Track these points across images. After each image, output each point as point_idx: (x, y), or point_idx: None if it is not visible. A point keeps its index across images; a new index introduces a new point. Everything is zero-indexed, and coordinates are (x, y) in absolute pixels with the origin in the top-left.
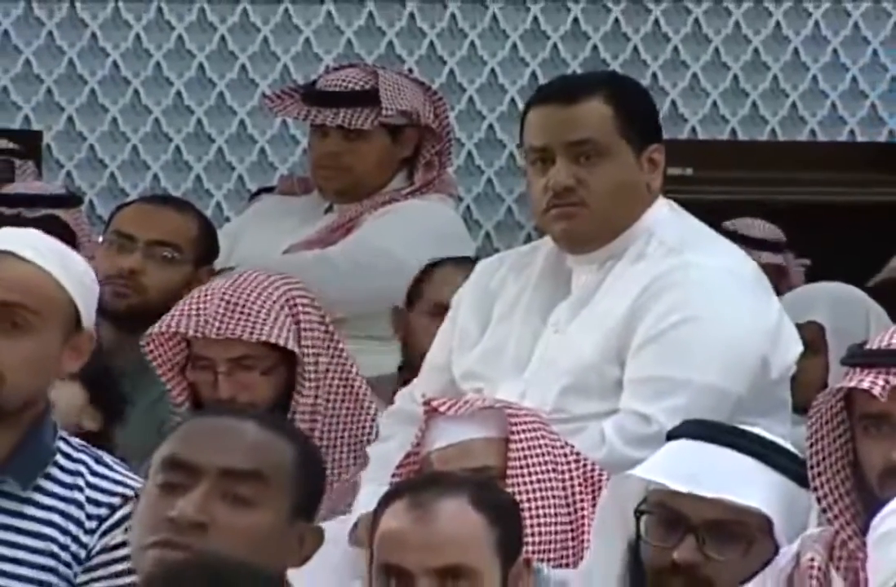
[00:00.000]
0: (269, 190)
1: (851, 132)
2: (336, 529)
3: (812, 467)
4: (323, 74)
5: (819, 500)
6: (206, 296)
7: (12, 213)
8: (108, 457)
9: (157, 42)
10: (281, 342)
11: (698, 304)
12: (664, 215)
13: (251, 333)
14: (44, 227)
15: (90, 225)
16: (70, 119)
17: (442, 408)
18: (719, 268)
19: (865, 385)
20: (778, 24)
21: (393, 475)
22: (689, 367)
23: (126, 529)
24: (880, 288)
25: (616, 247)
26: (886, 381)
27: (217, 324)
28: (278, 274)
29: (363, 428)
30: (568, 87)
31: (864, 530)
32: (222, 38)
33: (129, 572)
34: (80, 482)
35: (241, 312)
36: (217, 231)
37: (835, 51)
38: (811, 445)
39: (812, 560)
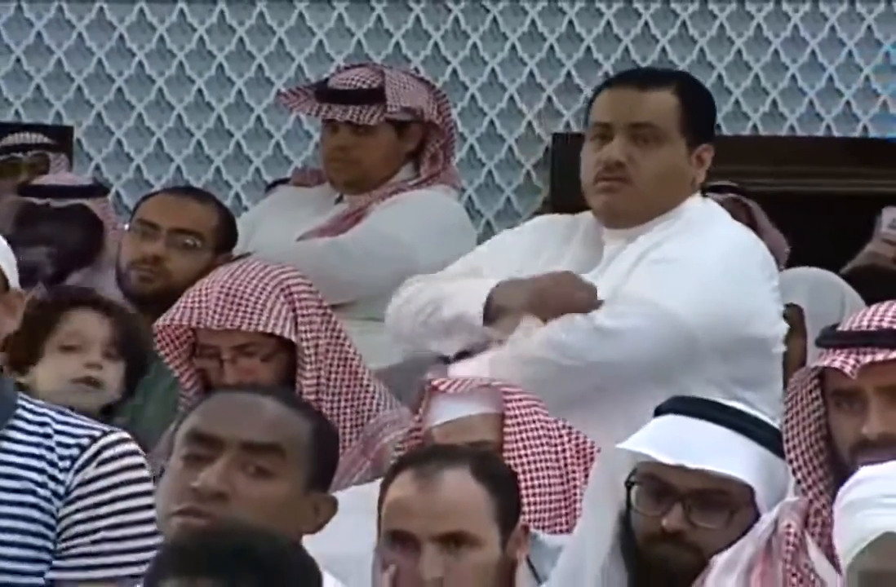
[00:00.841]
0: (283, 181)
1: (828, 128)
2: (349, 500)
3: (787, 441)
4: (334, 73)
5: (794, 472)
6: (206, 288)
7: (42, 203)
8: (67, 411)
9: (180, 43)
10: (277, 331)
11: (689, 248)
12: (698, 207)
13: (249, 324)
14: (71, 215)
15: (117, 214)
16: (99, 115)
17: (442, 387)
18: (726, 237)
19: (837, 364)
20: (759, 26)
21: (397, 449)
22: (661, 293)
23: (101, 463)
24: (854, 273)
25: (647, 227)
26: (857, 361)
27: (217, 316)
28: (275, 264)
29: (363, 403)
30: (644, 75)
31: (834, 500)
32: (240, 39)
33: (106, 503)
34: (48, 430)
35: (239, 304)
36: (236, 220)
37: (812, 52)
38: (787, 421)
39: (789, 527)
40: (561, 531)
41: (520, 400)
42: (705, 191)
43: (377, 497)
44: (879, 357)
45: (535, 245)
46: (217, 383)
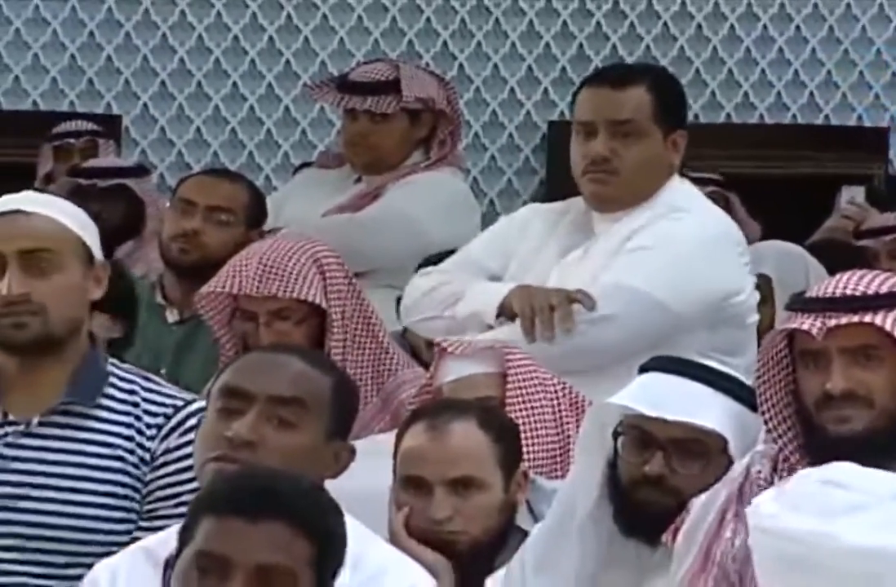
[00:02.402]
0: (308, 164)
1: (794, 116)
2: (366, 447)
3: (760, 395)
4: (354, 68)
5: (766, 423)
6: (246, 259)
7: (89, 183)
8: (152, 376)
9: (217, 41)
10: (310, 298)
11: (669, 235)
12: (676, 187)
13: (285, 292)
14: (115, 194)
15: (161, 193)
16: (144, 105)
17: (450, 348)
18: (699, 220)
19: (805, 327)
20: (732, 26)
21: (410, 403)
22: (642, 279)
23: (184, 432)
24: (816, 245)
25: (632, 209)
26: (823, 324)
27: (256, 284)
28: (307, 238)
29: (383, 363)
30: (618, 74)
31: (802, 447)
32: (270, 38)
33: (187, 469)
34: (137, 398)
35: (276, 273)
36: (265, 198)
37: (780, 49)
38: (759, 377)
39: (759, 472)
40: (556, 476)
41: (520, 360)
42: (686, 176)
43: (391, 444)
44: (843, 321)
45: (525, 232)
46: (253, 345)
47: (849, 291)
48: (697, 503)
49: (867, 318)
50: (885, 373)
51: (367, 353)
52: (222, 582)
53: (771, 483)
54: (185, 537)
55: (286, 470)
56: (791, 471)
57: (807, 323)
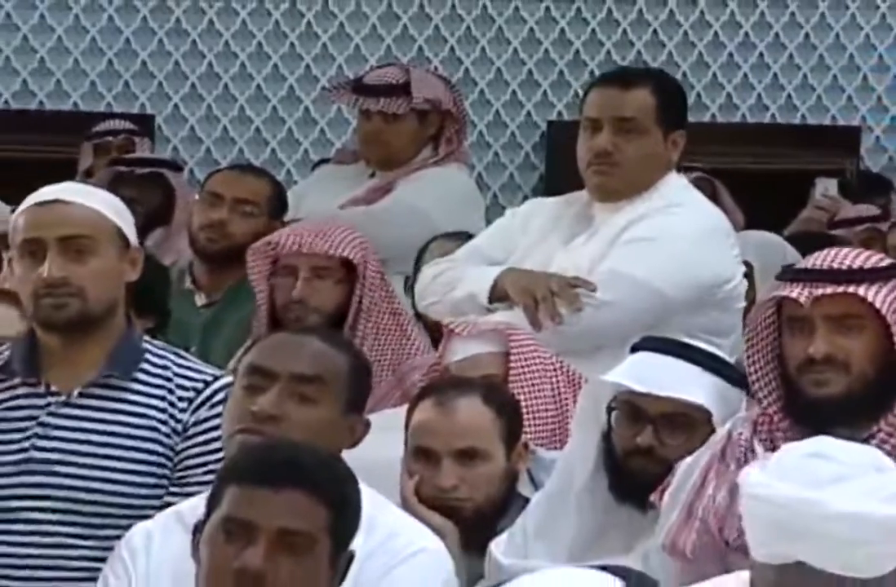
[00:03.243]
0: (326, 161)
1: (773, 116)
2: (380, 420)
3: (748, 358)
4: (368, 71)
5: (752, 383)
6: (302, 225)
7: (127, 170)
8: (184, 353)
9: (242, 46)
10: (352, 257)
11: (665, 228)
12: (673, 182)
13: (332, 250)
14: (151, 181)
15: (191, 187)
16: (176, 106)
17: (457, 330)
18: (693, 213)
19: (794, 295)
20: (716, 33)
21: (420, 381)
22: (640, 268)
23: (212, 405)
24: (793, 235)
25: (632, 201)
26: (810, 293)
27: (309, 240)
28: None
29: (404, 348)
30: (625, 76)
31: (783, 409)
32: (291, 44)
33: (217, 439)
34: (169, 373)
35: (327, 236)
36: (286, 191)
37: (760, 54)
38: (748, 340)
39: (741, 434)
40: (555, 447)
41: (521, 340)
42: (678, 169)
43: (403, 418)
44: (829, 290)
45: (527, 224)
46: (284, 300)
47: (835, 265)
48: (682, 465)
49: (851, 289)
50: (863, 341)
51: (391, 339)
52: (247, 545)
53: (751, 444)
54: (212, 504)
55: (306, 442)
56: (770, 433)
57: (795, 291)
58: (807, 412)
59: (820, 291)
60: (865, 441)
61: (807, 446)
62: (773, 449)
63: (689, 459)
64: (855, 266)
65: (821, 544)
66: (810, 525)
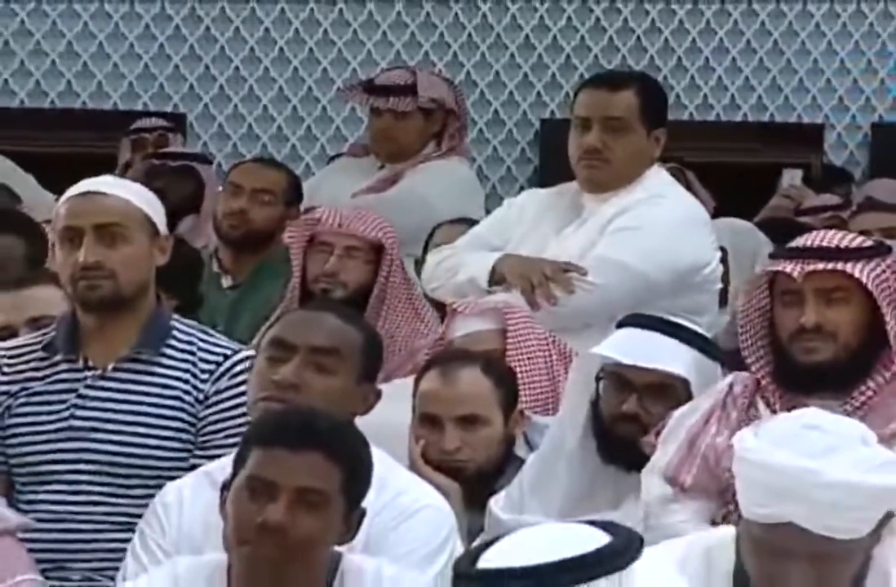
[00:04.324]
0: (341, 155)
1: (745, 115)
2: (390, 390)
3: (741, 327)
4: (379, 74)
5: (744, 350)
6: (345, 207)
7: (161, 163)
8: (208, 330)
9: (265, 52)
10: (383, 241)
11: (650, 217)
12: (655, 175)
13: (367, 232)
14: (183, 173)
15: (219, 179)
16: (206, 105)
17: (460, 308)
18: (675, 205)
19: (788, 270)
20: (693, 39)
21: (426, 354)
22: (627, 254)
23: (232, 376)
24: (763, 223)
25: (618, 192)
26: (802, 268)
27: (348, 222)
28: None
29: (416, 329)
30: (612, 78)
31: (771, 373)
32: (310, 49)
33: (235, 406)
34: (194, 348)
35: (363, 221)
36: (302, 182)
37: (733, 58)
38: (742, 311)
39: (745, 387)
40: (548, 414)
41: (517, 318)
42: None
43: (410, 388)
44: (820, 266)
45: (523, 214)
46: (317, 274)
47: (825, 244)
48: (677, 413)
49: (840, 266)
50: (849, 313)
51: (405, 318)
52: (269, 502)
53: (753, 398)
54: (238, 464)
55: (323, 408)
56: (764, 391)
57: (789, 267)
58: (796, 377)
59: (811, 267)
60: (849, 403)
61: (800, 417)
62: (774, 403)
63: (684, 407)
64: (843, 245)
65: (811, 508)
66: (803, 491)
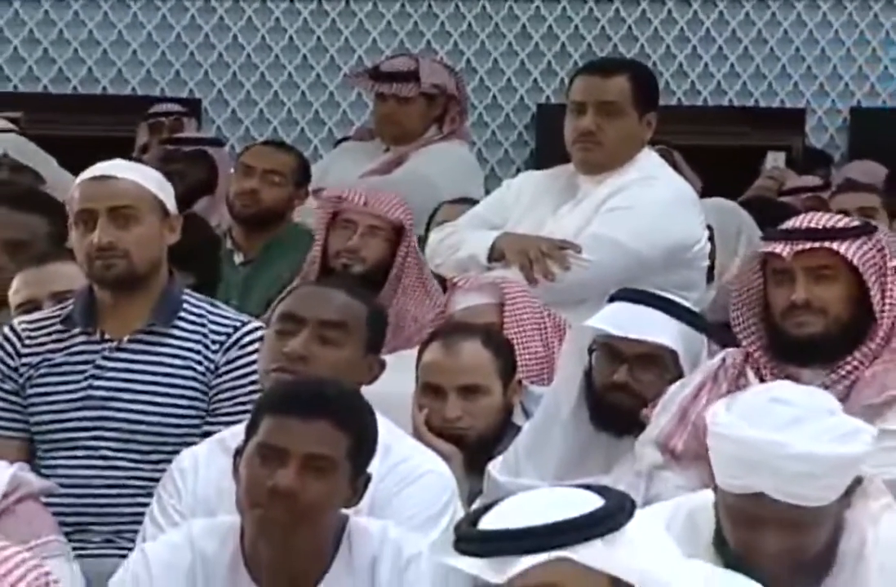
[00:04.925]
0: (347, 138)
1: (730, 100)
2: (394, 361)
3: (733, 304)
4: (383, 61)
5: (736, 326)
6: (367, 190)
7: (175, 148)
8: (218, 303)
9: (276, 40)
10: (404, 222)
11: (642, 198)
12: (647, 157)
13: (390, 213)
14: (196, 157)
15: (232, 161)
16: (219, 91)
17: (460, 283)
18: (666, 186)
19: (778, 250)
20: (682, 28)
21: (429, 327)
22: (621, 233)
23: (240, 347)
24: (747, 202)
25: (611, 173)
26: (791, 248)
27: (373, 202)
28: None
29: (424, 305)
30: (606, 65)
31: (764, 347)
32: (318, 38)
33: (244, 376)
34: (205, 320)
35: (387, 202)
36: (310, 164)
37: (720, 47)
38: (736, 290)
39: (735, 359)
40: (543, 383)
41: (514, 292)
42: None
43: (414, 359)
44: (808, 246)
45: (520, 194)
46: (338, 250)
47: (813, 225)
48: (672, 387)
49: (826, 244)
50: (837, 289)
51: (416, 295)
52: (279, 467)
53: (743, 369)
54: (250, 431)
55: (331, 379)
56: (755, 363)
57: (779, 247)
58: (788, 350)
59: (800, 247)
60: (835, 372)
61: (768, 390)
62: (762, 374)
63: (677, 383)
64: (829, 226)
65: (779, 479)
66: (772, 462)
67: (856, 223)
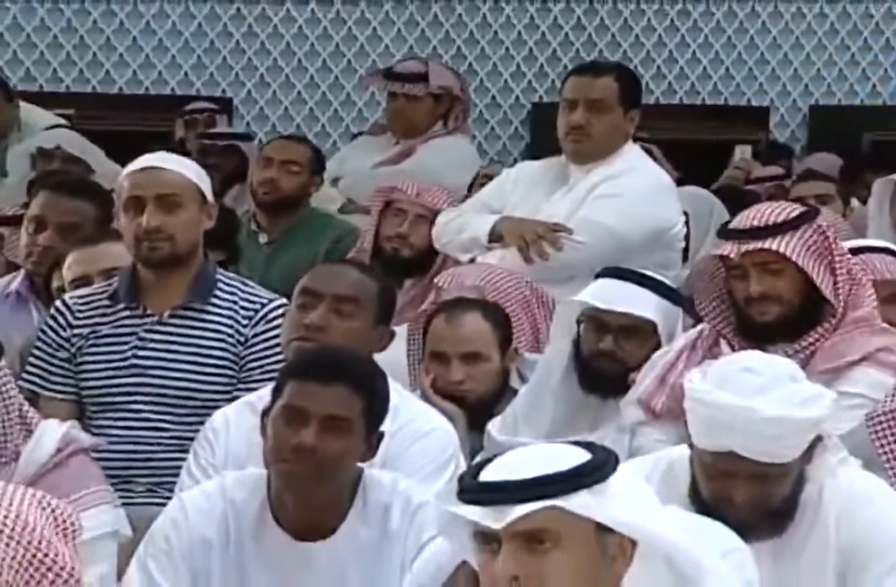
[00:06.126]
0: (362, 133)
1: (703, 99)
2: (404, 331)
3: (697, 297)
4: (395, 64)
5: (704, 316)
6: (419, 182)
7: (210, 143)
8: (249, 282)
9: (299, 45)
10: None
11: (627, 186)
12: (630, 150)
13: (439, 204)
14: (229, 151)
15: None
16: (249, 91)
17: (443, 285)
18: (647, 175)
19: (726, 252)
20: (660, 35)
21: (432, 303)
22: (608, 217)
23: (267, 322)
24: (718, 190)
25: (599, 163)
26: (738, 249)
27: (424, 193)
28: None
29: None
30: (595, 67)
31: (733, 329)
32: (337, 44)
33: (270, 347)
34: (236, 298)
35: (437, 194)
36: (324, 155)
37: (693, 51)
38: (699, 284)
39: (710, 331)
40: (535, 352)
41: (493, 291)
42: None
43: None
44: (751, 247)
45: (517, 182)
46: (388, 233)
47: (755, 222)
48: (654, 355)
49: (766, 244)
50: (786, 278)
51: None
52: (301, 427)
53: (717, 338)
54: (275, 395)
55: (346, 347)
56: (726, 337)
57: (727, 248)
58: (755, 333)
59: (745, 247)
60: (798, 343)
61: (738, 360)
62: (734, 344)
63: (659, 351)
64: (771, 222)
65: (749, 440)
66: (742, 426)
67: (797, 212)
